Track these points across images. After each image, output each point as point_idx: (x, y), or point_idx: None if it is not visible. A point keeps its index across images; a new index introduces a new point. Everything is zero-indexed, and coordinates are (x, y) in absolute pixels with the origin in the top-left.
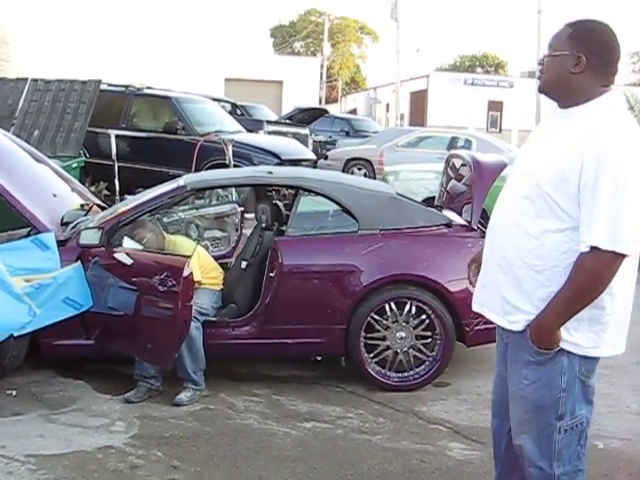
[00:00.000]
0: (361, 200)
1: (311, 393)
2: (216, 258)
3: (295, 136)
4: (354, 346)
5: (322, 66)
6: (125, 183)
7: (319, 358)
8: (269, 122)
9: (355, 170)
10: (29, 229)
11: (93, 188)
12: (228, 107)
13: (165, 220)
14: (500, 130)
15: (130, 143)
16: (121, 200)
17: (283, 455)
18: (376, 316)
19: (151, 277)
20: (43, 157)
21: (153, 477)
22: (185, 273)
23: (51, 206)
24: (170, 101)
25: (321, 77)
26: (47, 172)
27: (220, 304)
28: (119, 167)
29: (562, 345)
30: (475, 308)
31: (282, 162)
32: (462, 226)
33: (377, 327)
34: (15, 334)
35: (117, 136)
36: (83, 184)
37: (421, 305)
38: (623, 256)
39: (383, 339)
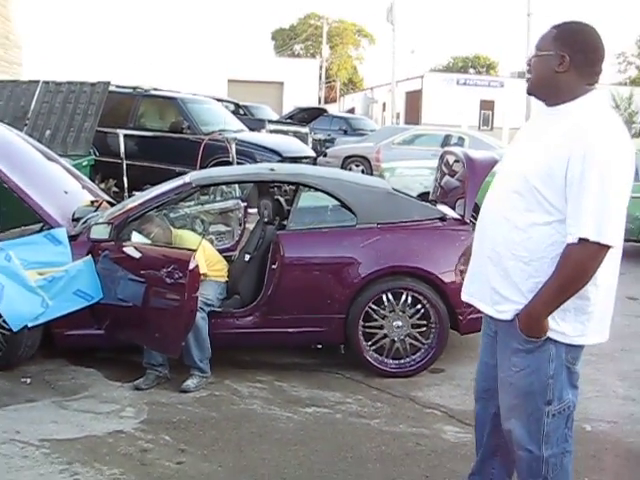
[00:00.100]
0: (359, 195)
1: (312, 379)
2: (221, 251)
3: (295, 134)
4: (353, 334)
5: (321, 67)
6: (133, 180)
7: (319, 346)
8: (270, 121)
9: (353, 167)
10: (42, 225)
11: (103, 185)
12: (231, 107)
13: (172, 215)
14: (491, 128)
15: (138, 142)
16: (129, 197)
17: (285, 438)
18: (374, 306)
19: (159, 270)
20: (55, 156)
21: (162, 460)
22: (191, 266)
23: (62, 202)
24: (176, 102)
25: (320, 78)
26: (58, 170)
27: (225, 295)
28: (127, 165)
29: (549, 334)
30: (464, 298)
31: (283, 159)
32: (455, 220)
33: (375, 316)
34: (29, 325)
35: (125, 135)
36: (93, 181)
37: (417, 295)
38: (607, 247)
39: (380, 328)
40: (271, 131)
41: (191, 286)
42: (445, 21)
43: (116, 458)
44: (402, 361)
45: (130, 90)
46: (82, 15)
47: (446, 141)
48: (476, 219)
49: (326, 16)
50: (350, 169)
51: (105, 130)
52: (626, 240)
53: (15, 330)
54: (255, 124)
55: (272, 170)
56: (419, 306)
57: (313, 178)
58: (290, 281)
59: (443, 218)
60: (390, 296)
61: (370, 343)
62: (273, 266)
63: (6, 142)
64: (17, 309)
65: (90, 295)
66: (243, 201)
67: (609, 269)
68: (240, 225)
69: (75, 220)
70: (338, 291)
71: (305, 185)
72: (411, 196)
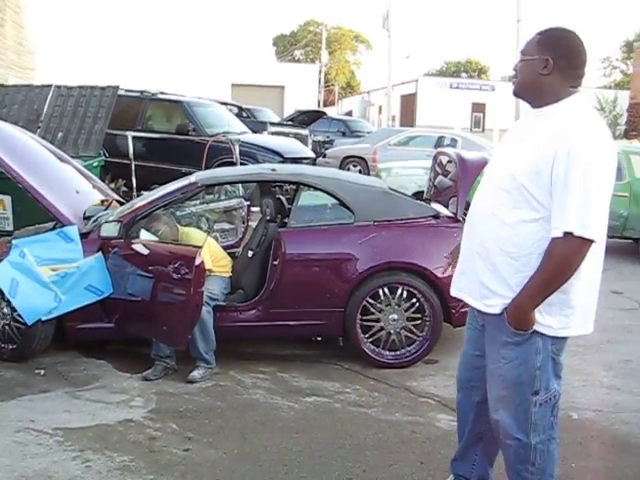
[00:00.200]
0: (356, 194)
1: (312, 370)
2: (225, 248)
3: (296, 136)
4: (351, 327)
5: (320, 72)
6: (142, 180)
7: (319, 338)
8: (272, 124)
9: (351, 167)
10: (54, 223)
11: (112, 185)
12: (235, 110)
13: (178, 214)
14: (483, 130)
15: (146, 144)
16: (138, 196)
17: (287, 427)
18: (371, 300)
19: (166, 266)
20: (66, 157)
21: (169, 447)
22: (197, 262)
23: (74, 202)
24: (182, 105)
25: (319, 82)
26: (70, 171)
27: (229, 290)
28: (136, 166)
29: (536, 327)
30: (454, 293)
31: (284, 160)
32: (448, 217)
33: (372, 310)
34: (43, 318)
35: (134, 137)
36: (103, 181)
37: (411, 290)
38: (590, 242)
39: (377, 321)
40: (272, 133)
41: (197, 281)
42: (439, 27)
43: (126, 445)
44: (398, 352)
45: (138, 94)
46: (92, 22)
47: (439, 142)
48: None
49: (325, 23)
50: (348, 169)
51: (115, 132)
52: (610, 237)
53: (29, 324)
54: (257, 126)
55: (274, 170)
56: (414, 300)
57: (313, 178)
58: (291, 276)
59: (437, 216)
60: (386, 290)
61: (367, 335)
62: (275, 262)
63: (20, 144)
64: (31, 304)
65: (101, 290)
66: (246, 200)
67: (592, 264)
68: (243, 223)
69: (86, 218)
70: (337, 286)
71: (305, 185)
72: (406, 195)
